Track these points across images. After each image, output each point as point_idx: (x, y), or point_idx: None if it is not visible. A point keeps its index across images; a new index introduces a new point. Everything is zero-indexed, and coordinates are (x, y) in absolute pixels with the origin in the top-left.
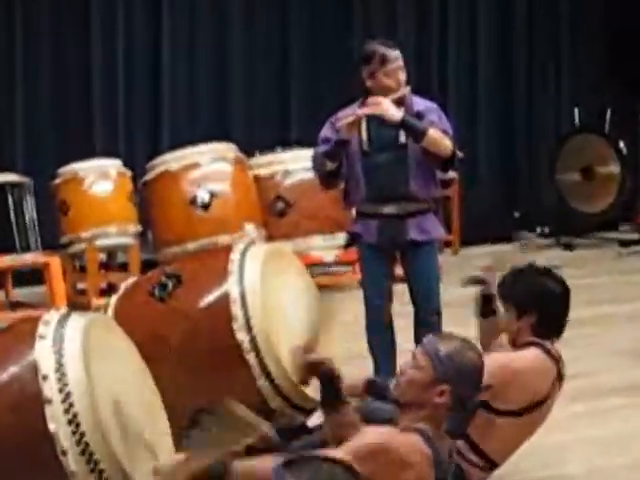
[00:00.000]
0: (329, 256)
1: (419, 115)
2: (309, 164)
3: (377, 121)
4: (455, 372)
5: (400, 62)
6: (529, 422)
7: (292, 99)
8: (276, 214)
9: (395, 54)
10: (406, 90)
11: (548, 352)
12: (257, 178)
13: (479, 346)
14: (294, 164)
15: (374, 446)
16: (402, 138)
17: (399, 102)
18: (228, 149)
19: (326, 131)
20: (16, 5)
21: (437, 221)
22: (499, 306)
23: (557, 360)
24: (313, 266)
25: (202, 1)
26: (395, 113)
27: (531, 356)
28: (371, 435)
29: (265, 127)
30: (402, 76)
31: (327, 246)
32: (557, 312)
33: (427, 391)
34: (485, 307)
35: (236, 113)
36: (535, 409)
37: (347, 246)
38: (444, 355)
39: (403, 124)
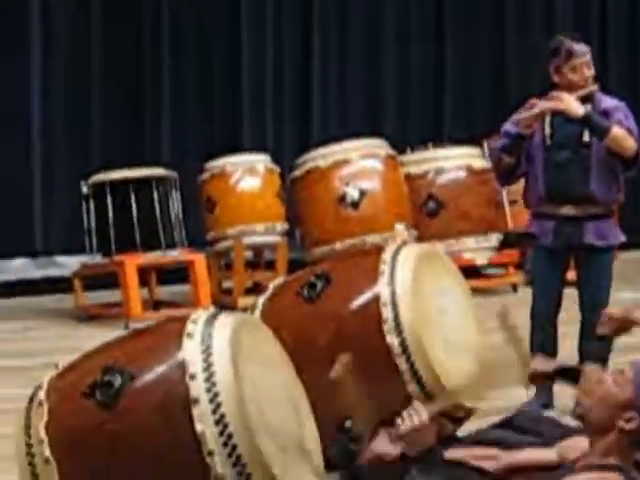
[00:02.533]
0: (482, 258)
1: (605, 113)
2: (462, 162)
3: (562, 117)
4: None
5: (587, 57)
6: None
7: (446, 93)
8: (427, 214)
9: (582, 48)
10: (594, 87)
11: None
12: (408, 176)
13: None
14: (447, 162)
15: None
16: (586, 136)
17: (586, 99)
18: (379, 146)
19: (508, 125)
20: (163, 15)
21: (617, 227)
22: None
23: None
24: (465, 268)
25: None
26: (577, 108)
27: None
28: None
29: (418, 122)
30: (589, 72)
31: (480, 248)
32: None
33: (616, 413)
34: None
35: (388, 108)
36: None
37: (501, 248)
38: None
39: (586, 120)
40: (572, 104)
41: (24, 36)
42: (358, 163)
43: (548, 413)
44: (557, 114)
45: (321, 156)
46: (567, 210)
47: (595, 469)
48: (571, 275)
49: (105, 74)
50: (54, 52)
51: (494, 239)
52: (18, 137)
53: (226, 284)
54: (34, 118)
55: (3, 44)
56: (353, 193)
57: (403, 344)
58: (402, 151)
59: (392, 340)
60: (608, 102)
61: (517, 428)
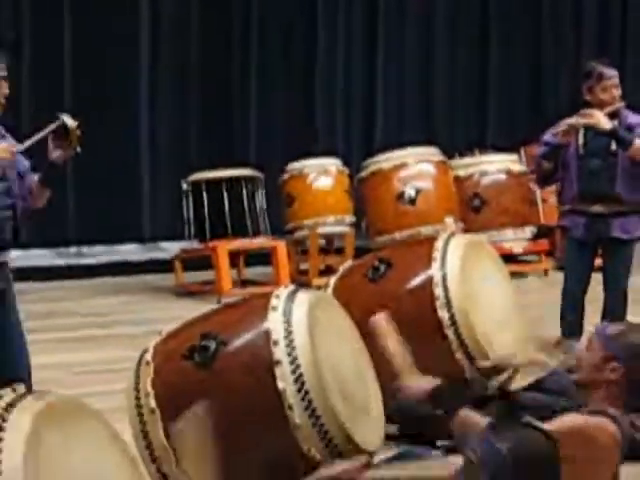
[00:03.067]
0: (518, 247)
1: (630, 128)
2: (503, 166)
3: (594, 130)
4: (623, 349)
5: (615, 80)
6: None
7: (490, 105)
8: (473, 210)
9: (611, 72)
10: (620, 105)
11: None
12: (457, 178)
13: None
14: (490, 166)
15: (571, 427)
16: (613, 146)
17: (613, 115)
18: (432, 152)
19: (547, 136)
20: (252, 22)
21: (639, 222)
22: None
23: None
24: (504, 255)
25: (411, 15)
26: (605, 124)
27: None
28: (567, 419)
29: (465, 131)
30: (616, 92)
31: (517, 238)
32: None
33: (600, 370)
34: None
35: (439, 118)
36: None
37: (535, 238)
38: (611, 334)
39: (613, 134)
40: (602, 120)
41: (134, 45)
42: (415, 167)
43: (572, 377)
44: (589, 128)
45: (384, 160)
46: (597, 208)
47: (585, 413)
48: (598, 262)
49: (203, 91)
50: (159, 62)
51: (528, 231)
52: (129, 140)
53: (303, 266)
54: (142, 125)
55: (116, 54)
56: (410, 191)
57: (452, 318)
58: (451, 156)
59: (443, 314)
60: (633, 118)
61: (546, 390)
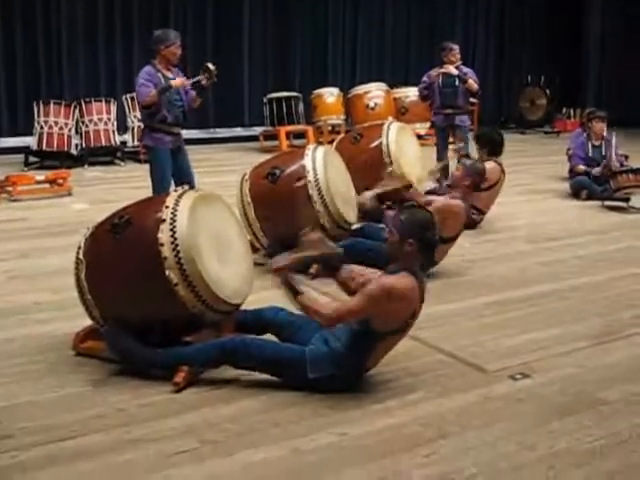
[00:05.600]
0: (423, 130)
1: (465, 73)
2: (415, 93)
3: (447, 75)
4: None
5: (457, 50)
6: (497, 191)
7: (411, 60)
8: (401, 114)
9: (455, 47)
10: (459, 63)
11: (497, 162)
12: (394, 98)
13: None
14: (409, 93)
15: (442, 204)
16: (457, 82)
17: (457, 68)
18: (383, 85)
19: (425, 77)
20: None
21: (468, 117)
22: None
23: (500, 165)
24: (417, 135)
25: None
26: (454, 71)
27: (492, 164)
28: (439, 200)
29: (400, 75)
30: (458, 56)
31: (422, 127)
32: (499, 147)
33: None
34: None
35: (387, 67)
36: (496, 185)
37: (430, 127)
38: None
39: (458, 76)
40: (451, 69)
41: None
42: (375, 92)
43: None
44: (445, 73)
45: (360, 89)
46: (448, 111)
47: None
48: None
49: (274, 46)
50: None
51: (427, 124)
52: (240, 71)
53: (320, 139)
54: (245, 64)
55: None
56: (372, 104)
57: (390, 161)
58: (393, 87)
59: (386, 159)
60: (465, 69)
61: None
